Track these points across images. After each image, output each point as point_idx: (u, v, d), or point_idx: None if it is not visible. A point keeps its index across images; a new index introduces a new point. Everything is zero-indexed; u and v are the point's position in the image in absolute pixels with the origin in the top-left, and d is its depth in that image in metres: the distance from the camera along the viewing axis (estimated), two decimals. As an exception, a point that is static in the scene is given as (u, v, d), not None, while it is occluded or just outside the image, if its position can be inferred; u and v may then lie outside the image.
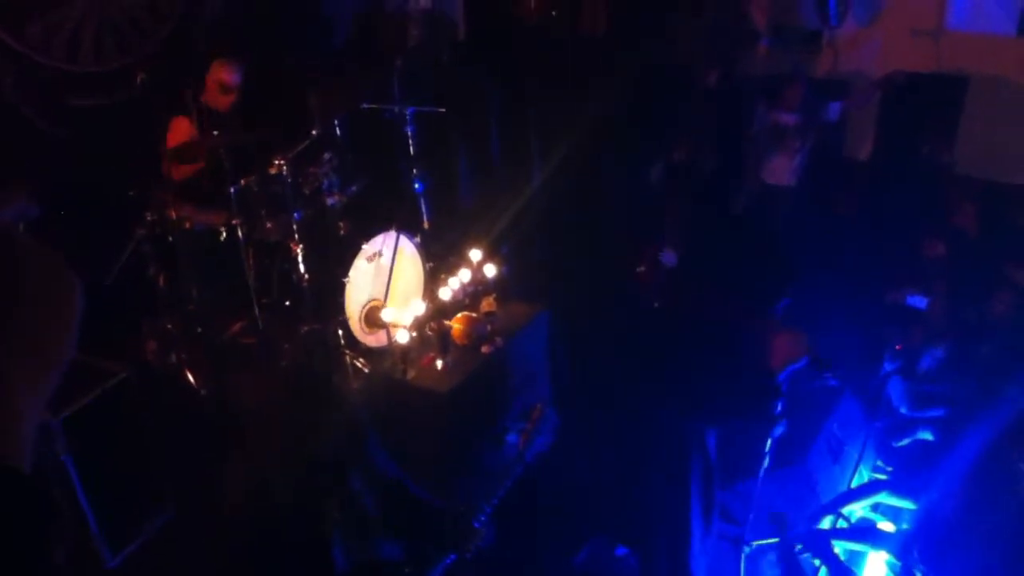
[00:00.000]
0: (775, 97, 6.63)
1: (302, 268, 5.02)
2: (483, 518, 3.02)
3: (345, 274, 4.89)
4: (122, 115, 5.76)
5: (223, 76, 5.43)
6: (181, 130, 5.34)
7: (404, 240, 5.15)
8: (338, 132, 5.44)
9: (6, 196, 4.69)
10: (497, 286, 4.90)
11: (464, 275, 4.87)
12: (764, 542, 4.13)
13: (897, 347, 5.01)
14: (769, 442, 3.72)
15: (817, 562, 3.86)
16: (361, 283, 5.00)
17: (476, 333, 4.60)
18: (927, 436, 4.61)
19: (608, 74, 6.70)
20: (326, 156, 5.25)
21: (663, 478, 3.81)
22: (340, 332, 4.97)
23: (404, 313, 4.53)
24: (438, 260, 5.56)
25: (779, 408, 3.67)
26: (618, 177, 6.64)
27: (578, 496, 4.22)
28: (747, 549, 4.09)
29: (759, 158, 6.76)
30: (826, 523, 4.06)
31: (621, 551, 4.16)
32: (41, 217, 4.64)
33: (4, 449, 0.95)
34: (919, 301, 5.38)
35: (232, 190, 4.79)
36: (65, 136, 5.59)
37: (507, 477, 3.16)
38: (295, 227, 5.00)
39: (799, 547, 3.90)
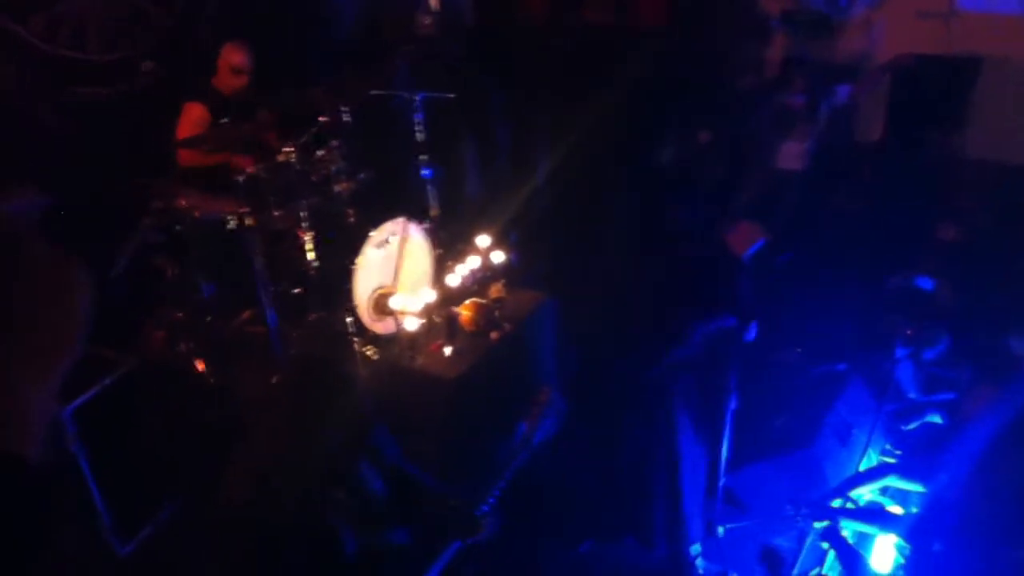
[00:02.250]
0: (781, 80, 6.60)
1: (310, 256, 5.02)
2: (487, 507, 3.02)
3: (353, 262, 4.89)
4: (129, 105, 5.78)
5: (234, 58, 5.51)
6: (194, 116, 5.37)
7: (412, 227, 5.15)
8: (346, 119, 5.43)
9: (14, 188, 4.71)
10: (505, 273, 4.90)
11: (472, 262, 4.88)
12: (735, 525, 4.17)
13: (908, 332, 4.99)
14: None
15: (825, 545, 3.86)
16: (369, 270, 4.99)
17: (484, 319, 4.60)
18: (936, 419, 4.60)
19: (614, 66, 6.67)
20: (334, 143, 5.25)
21: (660, 461, 3.85)
22: (349, 320, 4.97)
23: (413, 300, 4.53)
24: (446, 247, 5.55)
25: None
26: (623, 168, 6.62)
27: (584, 485, 4.22)
28: (721, 530, 4.12)
29: (769, 142, 6.73)
30: (834, 506, 4.05)
31: (627, 541, 4.17)
32: (49, 208, 4.66)
33: (11, 439, 0.96)
34: (926, 283, 5.36)
35: (240, 178, 4.79)
36: (72, 126, 5.60)
37: (514, 461, 3.16)
38: (303, 215, 5.01)
39: (804, 512, 3.90)
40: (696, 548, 4.10)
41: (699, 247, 4.12)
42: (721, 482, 4.02)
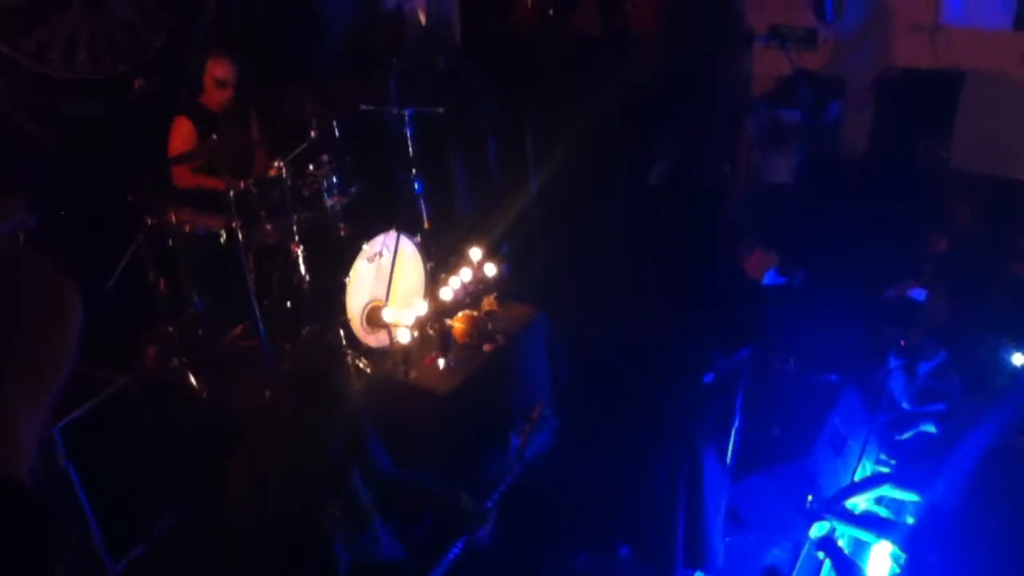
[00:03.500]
0: (778, 96, 6.64)
1: (303, 270, 5.01)
2: (489, 504, 3.02)
3: (346, 275, 4.89)
4: (119, 121, 5.75)
5: (218, 71, 5.49)
6: (183, 131, 5.36)
7: (404, 240, 5.15)
8: (336, 134, 5.44)
9: (3, 207, 4.69)
10: (497, 285, 4.90)
11: (465, 275, 4.88)
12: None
13: (901, 343, 5.02)
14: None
15: (821, 555, 3.86)
16: (362, 284, 5.00)
17: (477, 332, 4.60)
18: (930, 429, 4.61)
19: (604, 76, 6.69)
20: (325, 158, 5.26)
21: (676, 475, 3.83)
22: (341, 333, 4.97)
23: (405, 313, 4.53)
24: (439, 260, 5.56)
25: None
26: (615, 179, 6.64)
27: (579, 498, 4.21)
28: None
29: (759, 157, 6.77)
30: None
31: (624, 552, 4.15)
32: (39, 226, 4.64)
33: (4, 462, 0.95)
34: (918, 294, 5.40)
35: (231, 193, 4.78)
36: (62, 144, 5.58)
37: (507, 474, 3.16)
38: (295, 229, 5.00)
39: (812, 503, 3.89)
40: None
41: (695, 259, 4.16)
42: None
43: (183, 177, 5.37)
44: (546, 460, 3.87)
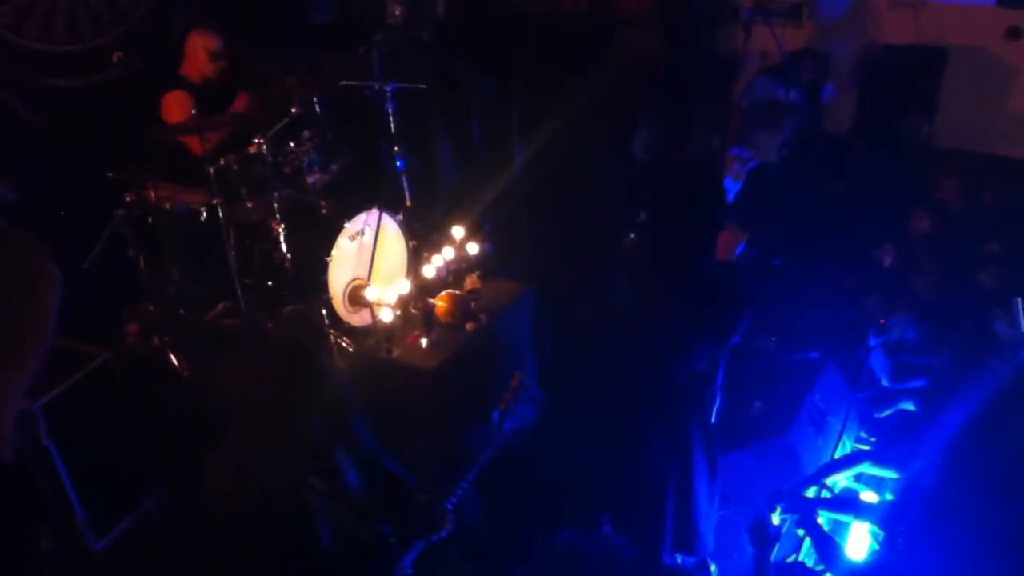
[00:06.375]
0: (777, 72, 6.62)
1: (284, 248, 4.98)
2: (450, 504, 2.99)
3: (328, 253, 4.86)
4: (99, 96, 5.70)
5: (210, 43, 5.48)
6: (180, 103, 5.30)
7: (387, 218, 5.12)
8: (318, 110, 5.39)
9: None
10: (480, 264, 4.90)
11: (447, 253, 4.87)
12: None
13: (881, 321, 5.04)
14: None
15: (801, 532, 3.89)
16: (344, 262, 4.97)
17: (460, 311, 4.60)
18: (909, 407, 4.64)
19: (592, 51, 6.66)
20: (306, 134, 5.22)
21: (664, 445, 3.84)
22: (324, 311, 4.94)
23: (388, 292, 4.52)
24: (421, 238, 5.53)
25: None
26: (602, 155, 6.62)
27: (564, 474, 4.22)
28: None
29: (748, 134, 6.76)
30: (809, 494, 4.08)
31: (607, 528, 4.17)
32: (19, 201, 4.61)
33: None
34: (887, 257, 5.45)
35: (211, 169, 4.74)
36: (42, 118, 5.52)
37: (487, 448, 3.14)
38: (276, 206, 4.97)
39: (782, 506, 3.92)
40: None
41: (686, 237, 4.15)
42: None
43: (196, 141, 5.29)
44: (531, 435, 3.87)
